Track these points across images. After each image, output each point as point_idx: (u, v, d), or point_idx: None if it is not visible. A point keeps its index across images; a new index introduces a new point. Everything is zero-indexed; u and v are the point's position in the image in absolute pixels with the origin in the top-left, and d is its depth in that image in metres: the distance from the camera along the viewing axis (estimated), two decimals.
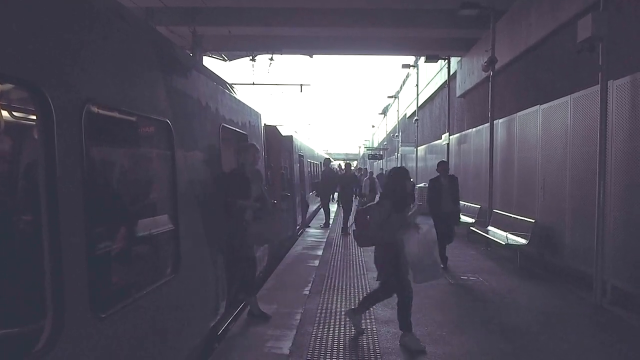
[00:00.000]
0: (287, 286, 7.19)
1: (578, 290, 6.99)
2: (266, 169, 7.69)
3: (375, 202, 5.94)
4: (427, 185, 10.12)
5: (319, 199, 16.05)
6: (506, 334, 5.23)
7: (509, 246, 9.00)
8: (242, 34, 15.51)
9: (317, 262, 9.02)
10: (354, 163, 49.71)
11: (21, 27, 2.12)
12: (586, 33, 6.28)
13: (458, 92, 18.38)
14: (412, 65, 25.36)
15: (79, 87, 2.51)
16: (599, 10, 6.30)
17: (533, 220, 8.80)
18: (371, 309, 5.60)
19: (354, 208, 13.73)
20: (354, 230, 5.24)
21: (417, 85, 27.36)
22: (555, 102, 8.43)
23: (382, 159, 38.26)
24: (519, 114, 10.32)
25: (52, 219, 2.23)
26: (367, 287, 7.11)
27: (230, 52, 17.78)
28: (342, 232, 12.94)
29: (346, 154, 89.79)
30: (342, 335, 5.11)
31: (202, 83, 4.71)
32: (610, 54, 6.33)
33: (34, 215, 2.55)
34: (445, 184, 8.54)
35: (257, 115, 7.30)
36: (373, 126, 66.96)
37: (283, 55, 17.97)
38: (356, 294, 6.74)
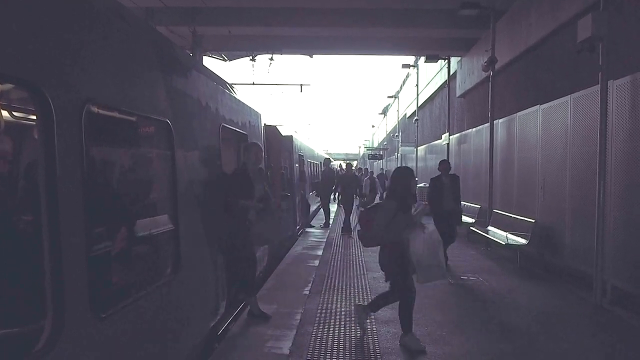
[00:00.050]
0: (287, 286, 7.19)
1: (578, 290, 6.98)
2: (266, 169, 7.70)
3: (378, 202, 5.92)
4: (427, 185, 10.12)
5: (319, 199, 16.05)
6: (506, 334, 5.23)
7: (509, 246, 9.00)
8: (242, 34, 15.51)
9: (317, 262, 9.02)
10: (354, 163, 49.70)
11: (21, 27, 2.12)
12: (586, 33, 6.28)
13: (458, 92, 18.38)
14: (412, 65, 25.37)
15: (79, 87, 2.51)
16: (599, 10, 6.31)
17: (533, 220, 8.80)
18: None
19: (354, 208, 13.76)
20: (358, 230, 5.23)
21: (417, 85, 27.38)
22: (555, 102, 8.42)
23: (382, 159, 38.25)
24: (519, 114, 10.32)
25: (52, 219, 2.23)
26: (367, 287, 7.12)
27: (230, 52, 17.79)
28: (342, 232, 12.94)
29: (346, 154, 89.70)
30: (342, 335, 5.10)
31: (202, 83, 4.71)
32: (610, 54, 6.34)
33: (34, 215, 2.55)
34: (447, 183, 8.55)
35: (257, 115, 7.30)
36: (373, 126, 67.00)
37: (283, 55, 17.99)
38: (356, 294, 6.74)
